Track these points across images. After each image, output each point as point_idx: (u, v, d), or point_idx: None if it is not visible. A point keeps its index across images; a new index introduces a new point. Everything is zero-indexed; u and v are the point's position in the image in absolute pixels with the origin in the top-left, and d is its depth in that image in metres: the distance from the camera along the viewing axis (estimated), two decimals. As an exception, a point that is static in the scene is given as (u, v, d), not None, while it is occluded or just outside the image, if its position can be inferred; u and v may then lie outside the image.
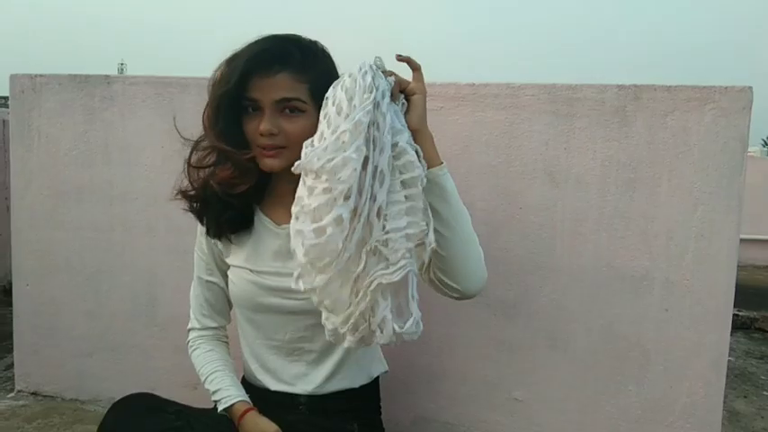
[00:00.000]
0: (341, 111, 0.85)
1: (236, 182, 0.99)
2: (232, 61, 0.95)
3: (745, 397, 2.08)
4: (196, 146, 1.03)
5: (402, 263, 0.85)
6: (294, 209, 0.87)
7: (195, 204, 1.06)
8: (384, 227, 0.85)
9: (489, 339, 1.46)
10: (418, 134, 0.93)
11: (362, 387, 1.13)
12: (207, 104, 0.99)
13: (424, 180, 0.89)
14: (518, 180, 1.40)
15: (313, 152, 0.84)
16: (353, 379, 1.11)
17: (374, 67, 0.88)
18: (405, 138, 0.89)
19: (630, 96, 1.33)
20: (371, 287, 0.84)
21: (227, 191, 0.99)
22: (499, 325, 1.44)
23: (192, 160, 1.03)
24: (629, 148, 1.34)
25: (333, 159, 0.82)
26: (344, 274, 0.86)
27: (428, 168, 0.92)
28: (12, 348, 1.81)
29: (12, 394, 1.79)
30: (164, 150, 1.62)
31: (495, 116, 1.41)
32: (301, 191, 0.87)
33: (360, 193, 0.84)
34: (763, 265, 4.93)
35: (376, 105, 0.85)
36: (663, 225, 1.33)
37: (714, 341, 1.33)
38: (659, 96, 1.32)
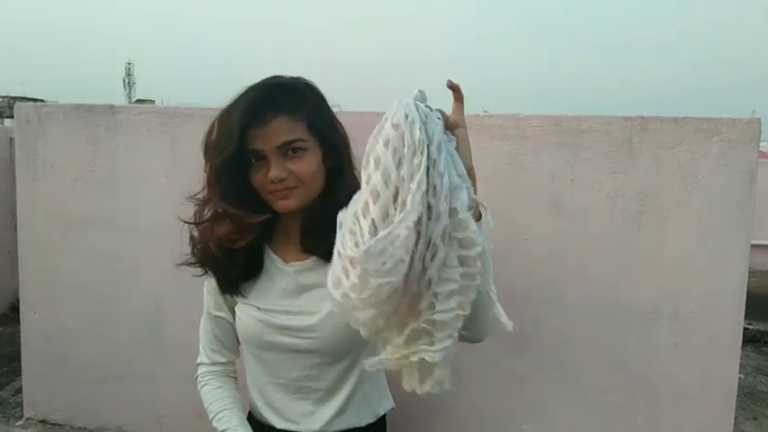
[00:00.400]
0: (389, 180, 0.72)
1: (234, 237, 0.99)
2: (224, 119, 0.95)
3: (755, 419, 2.05)
4: (199, 205, 1.03)
5: (447, 342, 0.77)
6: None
7: (204, 269, 1.06)
8: (433, 305, 0.75)
9: (498, 371, 1.45)
10: (470, 175, 0.82)
11: (369, 426, 1.12)
12: (207, 166, 0.98)
13: (487, 254, 0.78)
14: (523, 211, 1.39)
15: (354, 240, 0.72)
16: (360, 417, 1.11)
17: (423, 110, 0.74)
18: (463, 201, 0.74)
19: (637, 128, 1.32)
20: (414, 358, 0.78)
21: (225, 246, 0.99)
22: (508, 357, 1.43)
23: (193, 217, 1.03)
24: (635, 180, 1.33)
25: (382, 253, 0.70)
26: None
27: None
28: (20, 371, 1.82)
29: (20, 422, 1.80)
30: (168, 180, 1.63)
31: (500, 147, 1.40)
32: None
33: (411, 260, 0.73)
34: (773, 271, 4.83)
35: (433, 164, 0.72)
36: (670, 258, 1.32)
37: (724, 374, 1.32)
38: (666, 128, 1.31)
